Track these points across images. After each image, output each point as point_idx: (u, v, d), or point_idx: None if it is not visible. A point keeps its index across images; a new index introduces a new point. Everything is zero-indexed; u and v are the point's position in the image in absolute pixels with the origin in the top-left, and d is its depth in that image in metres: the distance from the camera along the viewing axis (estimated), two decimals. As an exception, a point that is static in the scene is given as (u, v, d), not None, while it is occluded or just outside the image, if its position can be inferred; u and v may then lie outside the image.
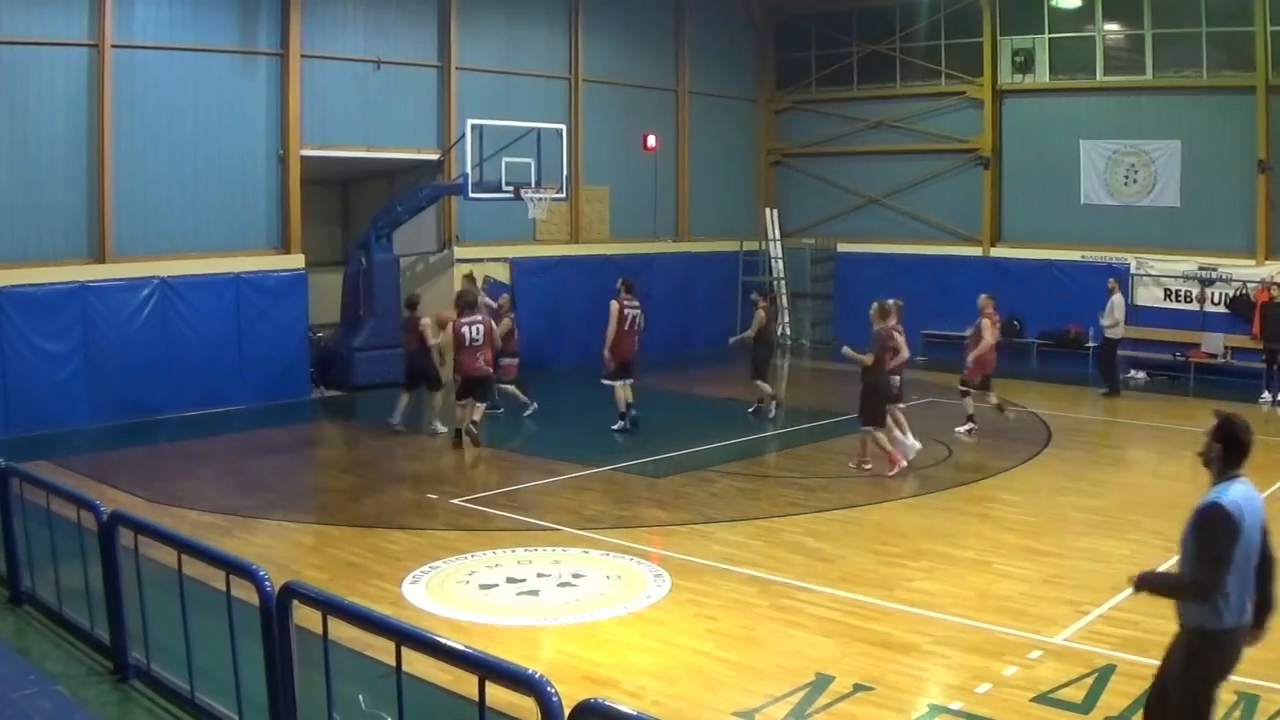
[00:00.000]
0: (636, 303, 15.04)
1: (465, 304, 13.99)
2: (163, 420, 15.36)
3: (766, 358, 16.33)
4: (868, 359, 12.29)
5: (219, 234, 16.42)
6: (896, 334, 12.67)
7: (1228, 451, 5.02)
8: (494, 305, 15.87)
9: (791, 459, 13.21)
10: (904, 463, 12.34)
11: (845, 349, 12.88)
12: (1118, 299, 17.97)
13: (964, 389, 14.82)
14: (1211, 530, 4.86)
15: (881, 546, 9.75)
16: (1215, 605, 4.83)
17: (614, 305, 14.71)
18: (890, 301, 12.76)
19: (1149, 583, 5.24)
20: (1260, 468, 13.26)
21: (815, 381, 20.88)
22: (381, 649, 5.55)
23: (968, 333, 15.05)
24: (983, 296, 14.95)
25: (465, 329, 13.63)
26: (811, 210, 24.42)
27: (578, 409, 16.80)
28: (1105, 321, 18.05)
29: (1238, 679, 6.60)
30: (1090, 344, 19.92)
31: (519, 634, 7.73)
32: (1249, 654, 6.97)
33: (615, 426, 14.69)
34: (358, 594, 8.11)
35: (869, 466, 12.47)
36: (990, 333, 14.56)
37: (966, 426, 14.68)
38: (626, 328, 14.77)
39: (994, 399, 14.95)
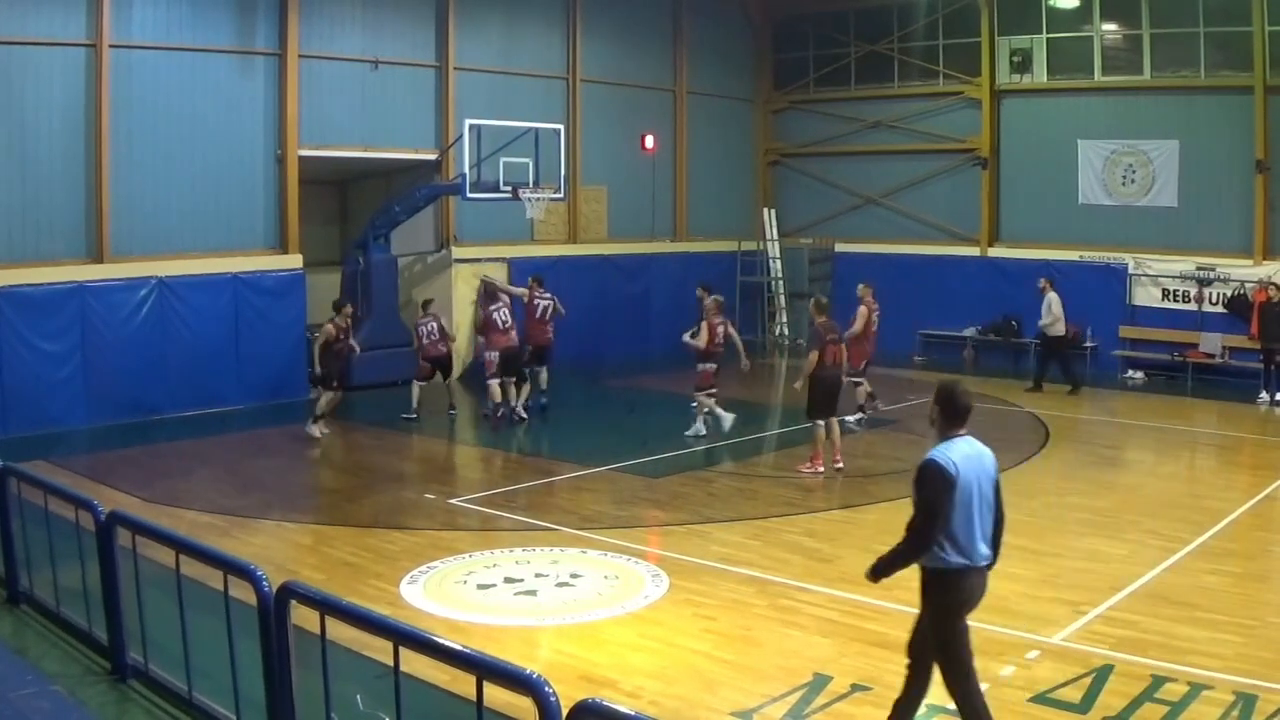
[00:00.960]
0: (549, 294, 16.28)
1: (488, 293, 16.29)
2: (161, 420, 15.35)
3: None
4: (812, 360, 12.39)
5: (217, 234, 16.42)
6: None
7: (945, 414, 5.66)
8: (515, 292, 16.66)
9: (791, 459, 13.20)
10: (822, 467, 12.38)
11: (685, 337, 13.96)
12: (1052, 296, 17.98)
13: (853, 379, 14.98)
14: (926, 483, 5.47)
15: (880, 546, 9.55)
16: (942, 548, 5.43)
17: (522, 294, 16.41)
18: (825, 299, 12.92)
19: (877, 569, 5.75)
20: (1260, 467, 13.32)
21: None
22: (379, 649, 5.55)
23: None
24: (861, 285, 15.35)
25: (496, 314, 15.35)
26: (809, 210, 24.43)
27: (576, 409, 16.81)
28: (1044, 321, 18.10)
29: (1237, 679, 6.65)
30: (1089, 344, 19.95)
31: (517, 634, 7.73)
32: (1248, 653, 6.98)
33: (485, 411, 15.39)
34: (355, 594, 8.10)
35: (839, 464, 12.48)
36: (862, 320, 14.77)
37: (855, 416, 15.04)
38: (538, 316, 16.05)
39: (866, 389, 15.26)
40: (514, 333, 15.44)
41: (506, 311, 15.47)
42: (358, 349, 15.23)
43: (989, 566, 5.62)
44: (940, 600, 5.53)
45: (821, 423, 12.46)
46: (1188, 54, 19.41)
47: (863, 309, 14.89)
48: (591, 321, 18.43)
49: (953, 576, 5.49)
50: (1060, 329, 18.06)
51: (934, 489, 5.43)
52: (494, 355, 15.25)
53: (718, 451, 13.88)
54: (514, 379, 15.49)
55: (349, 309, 14.92)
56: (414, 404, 15.64)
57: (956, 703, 5.57)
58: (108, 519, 6.53)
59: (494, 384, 15.24)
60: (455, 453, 14.29)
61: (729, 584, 8.68)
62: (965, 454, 5.55)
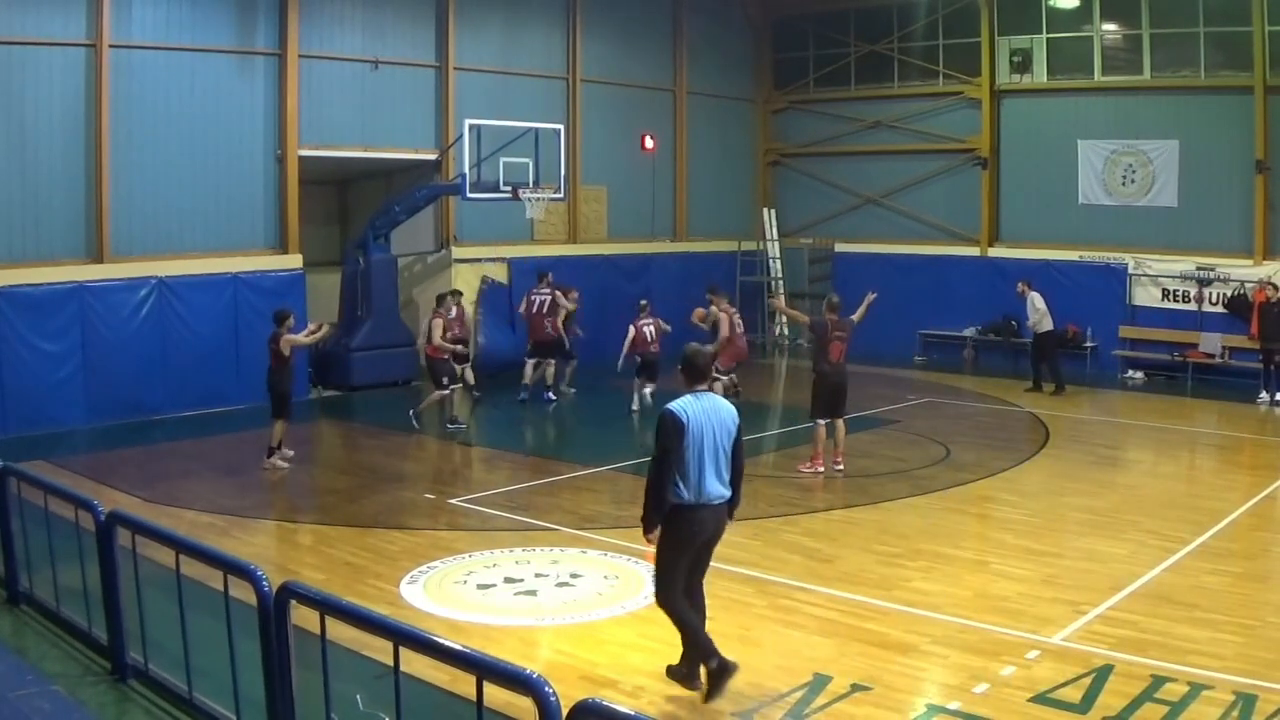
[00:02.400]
0: (547, 290, 16.94)
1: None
2: (160, 420, 15.36)
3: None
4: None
5: (217, 234, 16.42)
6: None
7: (687, 374, 6.57)
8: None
9: (790, 459, 13.21)
10: (822, 467, 12.38)
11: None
12: (1033, 296, 18.06)
13: (717, 376, 15.32)
14: (661, 430, 6.32)
15: (879, 546, 9.76)
16: (677, 485, 6.29)
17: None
18: (837, 299, 12.84)
19: (642, 521, 6.51)
20: (1260, 467, 13.31)
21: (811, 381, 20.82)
22: (379, 649, 5.55)
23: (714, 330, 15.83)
24: (711, 293, 15.87)
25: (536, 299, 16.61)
26: (809, 210, 24.43)
27: (576, 409, 16.81)
28: (1031, 320, 18.13)
29: (1237, 679, 6.65)
30: (1089, 344, 19.96)
31: (517, 634, 7.73)
32: (1248, 653, 6.98)
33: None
34: (355, 594, 8.11)
35: (839, 466, 12.47)
36: (725, 326, 15.22)
37: None
38: (534, 311, 16.86)
39: (723, 384, 15.40)
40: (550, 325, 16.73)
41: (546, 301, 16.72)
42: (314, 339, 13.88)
43: (726, 505, 6.52)
44: (672, 530, 6.41)
45: (823, 422, 12.45)
46: (1188, 54, 19.40)
47: (724, 316, 15.35)
48: (591, 321, 18.42)
49: (685, 511, 6.35)
50: (1048, 324, 18.03)
51: (667, 434, 6.27)
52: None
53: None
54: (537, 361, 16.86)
55: (291, 319, 13.03)
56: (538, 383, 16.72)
57: (664, 609, 6.59)
58: (108, 519, 6.53)
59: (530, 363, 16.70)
60: (455, 452, 14.29)
61: (729, 584, 8.66)
62: (699, 406, 6.39)
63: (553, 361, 17.00)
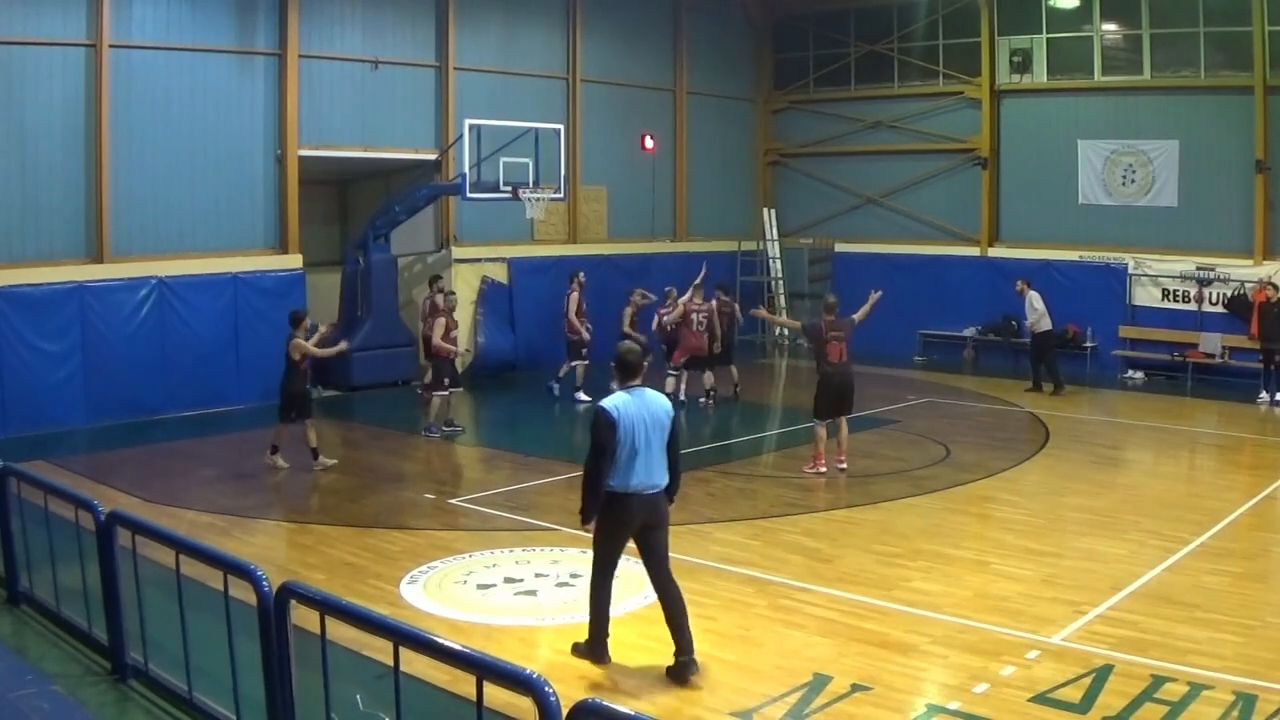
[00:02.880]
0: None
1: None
2: (161, 420, 15.35)
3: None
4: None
5: (217, 234, 16.42)
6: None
7: (620, 371, 7.04)
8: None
9: (790, 459, 13.21)
10: (824, 467, 12.37)
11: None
12: (1032, 295, 18.03)
13: (670, 373, 16.17)
14: (595, 425, 6.75)
15: (879, 546, 9.75)
16: (612, 476, 6.72)
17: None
18: (834, 299, 12.86)
19: (581, 511, 7.00)
20: (1260, 467, 13.31)
21: (813, 381, 20.81)
22: (379, 649, 5.55)
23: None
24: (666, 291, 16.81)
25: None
26: (809, 210, 24.43)
27: (576, 409, 16.80)
28: (1030, 320, 18.12)
29: (1237, 679, 6.65)
30: (1089, 344, 19.95)
31: (517, 634, 7.72)
32: (1248, 653, 6.99)
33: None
34: (355, 594, 8.11)
35: (841, 464, 12.46)
36: (677, 316, 16.01)
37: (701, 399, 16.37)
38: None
39: (671, 385, 15.86)
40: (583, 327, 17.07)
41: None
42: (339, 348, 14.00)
43: (663, 494, 6.94)
44: (606, 518, 6.88)
45: (823, 423, 12.44)
46: (1188, 54, 19.40)
47: (678, 310, 16.15)
48: (591, 321, 18.41)
49: (618, 498, 6.79)
50: (1047, 324, 18.00)
51: (600, 430, 6.71)
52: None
53: (718, 451, 13.86)
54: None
55: (306, 322, 13.11)
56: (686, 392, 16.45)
57: (590, 592, 7.04)
58: (108, 519, 6.53)
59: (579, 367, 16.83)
60: (455, 453, 14.28)
61: (729, 584, 8.67)
62: (631, 402, 6.80)
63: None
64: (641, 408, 6.79)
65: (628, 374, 6.99)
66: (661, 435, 6.83)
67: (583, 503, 6.95)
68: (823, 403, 12.42)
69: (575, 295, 17.21)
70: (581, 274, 17.63)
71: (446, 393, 14.61)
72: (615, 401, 6.78)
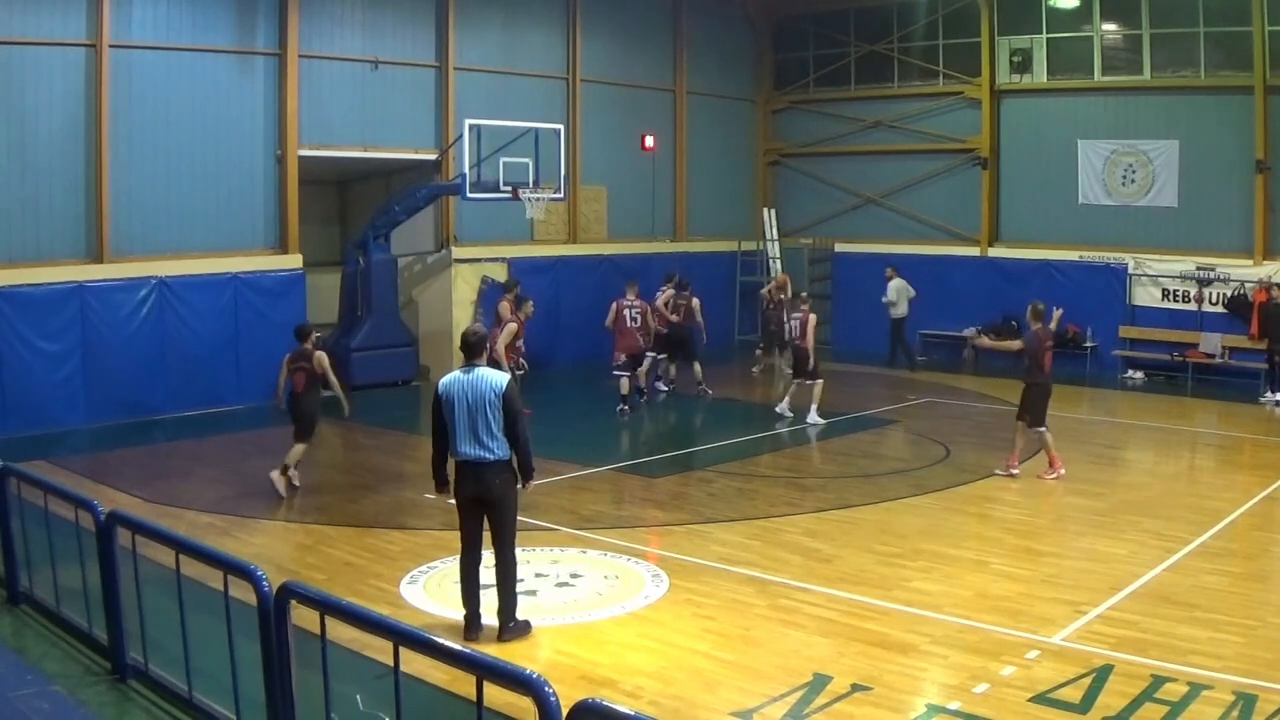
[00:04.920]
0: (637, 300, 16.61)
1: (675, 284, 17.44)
2: (160, 420, 15.35)
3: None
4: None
5: (217, 234, 16.42)
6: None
7: (462, 351, 7.57)
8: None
9: (790, 459, 13.20)
10: (1062, 470, 12.23)
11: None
12: (895, 283, 20.34)
13: (618, 374, 16.18)
14: (434, 400, 7.52)
15: (879, 546, 9.75)
16: (450, 445, 7.43)
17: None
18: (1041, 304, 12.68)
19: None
20: (1260, 467, 13.30)
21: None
22: (379, 649, 5.55)
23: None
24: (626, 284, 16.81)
25: (626, 310, 16.32)
26: (809, 210, 24.43)
27: (576, 409, 16.80)
28: (889, 300, 20.39)
29: (1237, 679, 6.65)
30: (1089, 344, 19.96)
31: (517, 634, 7.72)
32: (1248, 653, 7.00)
33: None
34: (355, 594, 8.11)
35: (1058, 473, 12.23)
36: (610, 315, 16.14)
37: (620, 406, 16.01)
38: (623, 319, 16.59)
39: (625, 387, 15.96)
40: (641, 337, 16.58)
41: (635, 312, 16.47)
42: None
43: (495, 466, 7.36)
44: (459, 479, 7.51)
45: (1046, 430, 12.35)
46: (1188, 54, 19.40)
47: (614, 306, 16.24)
48: (592, 321, 18.39)
49: (455, 467, 7.49)
50: (899, 311, 20.27)
51: (434, 404, 7.51)
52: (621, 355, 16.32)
53: (718, 452, 13.86)
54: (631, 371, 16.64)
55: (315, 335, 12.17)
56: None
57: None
58: (108, 519, 6.52)
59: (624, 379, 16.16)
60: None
61: (729, 584, 8.68)
62: (459, 379, 7.41)
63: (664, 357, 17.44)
64: (469, 385, 7.33)
65: (467, 354, 7.52)
66: (488, 410, 7.27)
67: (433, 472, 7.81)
68: (1042, 407, 12.27)
69: (669, 293, 17.30)
70: (677, 274, 17.88)
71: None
72: (446, 379, 7.49)
